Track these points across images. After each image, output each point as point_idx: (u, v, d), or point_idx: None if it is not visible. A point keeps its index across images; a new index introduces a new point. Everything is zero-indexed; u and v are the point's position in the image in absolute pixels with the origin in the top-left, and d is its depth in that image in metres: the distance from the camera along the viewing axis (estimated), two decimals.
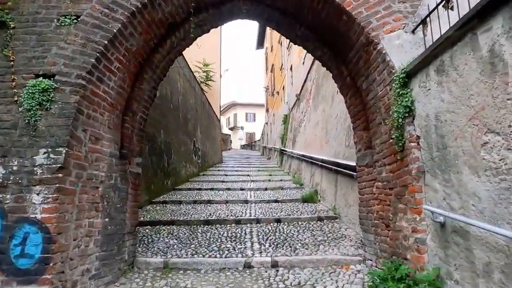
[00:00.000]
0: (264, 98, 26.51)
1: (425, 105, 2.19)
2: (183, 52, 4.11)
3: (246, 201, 6.19)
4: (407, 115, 2.34)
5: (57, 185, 2.22)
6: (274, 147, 18.16)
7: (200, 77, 17.05)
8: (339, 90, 3.51)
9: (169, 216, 4.98)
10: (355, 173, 4.14)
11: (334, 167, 5.22)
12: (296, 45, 3.81)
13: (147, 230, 4.28)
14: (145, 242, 3.82)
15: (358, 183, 3.32)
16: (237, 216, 4.97)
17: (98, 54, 2.50)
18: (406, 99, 2.33)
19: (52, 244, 2.15)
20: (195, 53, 16.99)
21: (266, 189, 7.76)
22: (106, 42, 2.53)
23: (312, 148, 7.55)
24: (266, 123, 25.14)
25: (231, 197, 6.66)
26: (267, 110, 25.02)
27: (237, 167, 14.27)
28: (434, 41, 2.10)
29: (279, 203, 6.08)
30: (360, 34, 2.69)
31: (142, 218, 4.81)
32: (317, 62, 8.92)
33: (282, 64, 16.83)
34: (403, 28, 2.53)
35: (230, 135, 37.27)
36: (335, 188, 5.16)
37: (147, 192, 6.04)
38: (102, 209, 2.71)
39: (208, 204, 6.01)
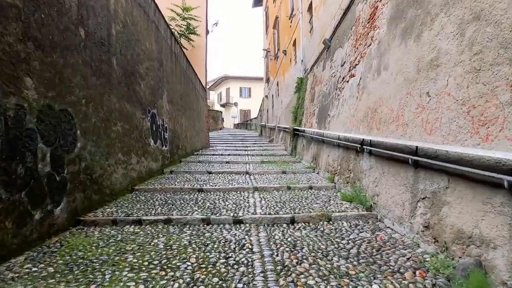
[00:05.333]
0: (263, 66, 21.66)
1: None
2: None
3: None
4: None
5: None
6: (279, 126, 13.71)
7: (179, 26, 12.24)
8: None
9: None
10: None
11: None
12: None
13: None
14: None
15: None
16: None
17: None
18: None
19: None
20: None
21: (293, 221, 3.37)
22: None
23: (414, 128, 3.10)
24: (266, 96, 20.49)
25: (207, 265, 2.26)
26: (267, 80, 20.29)
27: (228, 155, 9.81)
28: None
29: None
30: None
31: None
32: None
33: (292, 10, 12.03)
34: None
35: (221, 112, 32.57)
36: None
37: None
38: None
39: None
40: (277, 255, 2.49)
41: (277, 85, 15.87)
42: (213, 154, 10.05)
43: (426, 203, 2.63)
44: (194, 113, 11.15)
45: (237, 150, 11.36)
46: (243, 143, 14.58)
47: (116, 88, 4.56)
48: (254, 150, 11.34)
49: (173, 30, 9.64)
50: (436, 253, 2.38)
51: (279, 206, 3.91)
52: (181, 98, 9.00)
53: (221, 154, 9.96)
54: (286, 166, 7.38)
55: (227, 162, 8.04)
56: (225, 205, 3.97)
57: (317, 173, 6.37)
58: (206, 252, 2.56)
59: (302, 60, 10.08)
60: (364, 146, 4.08)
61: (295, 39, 11.58)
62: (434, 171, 2.57)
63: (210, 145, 13.79)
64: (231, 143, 14.77)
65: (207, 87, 19.03)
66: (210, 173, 6.43)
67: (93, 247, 2.67)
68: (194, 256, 2.47)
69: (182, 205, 4.01)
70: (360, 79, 4.72)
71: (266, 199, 4.29)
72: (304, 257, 2.45)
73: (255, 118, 29.64)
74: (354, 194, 4.06)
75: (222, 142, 15.49)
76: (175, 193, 4.74)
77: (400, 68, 3.41)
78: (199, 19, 12.66)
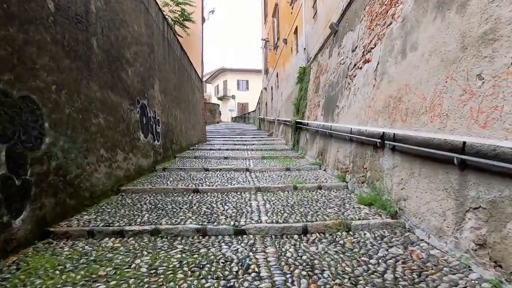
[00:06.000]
0: (262, 57, 20.95)
1: None
2: None
3: None
4: None
5: None
6: (279, 119, 13.15)
7: (173, 12, 11.55)
8: None
9: None
10: None
11: None
12: None
13: None
14: None
15: None
16: None
17: None
18: None
19: None
20: None
21: (306, 231, 2.81)
22: None
23: (459, 119, 2.54)
24: (265, 88, 19.85)
25: None
26: (266, 72, 19.62)
27: (226, 150, 9.25)
28: None
29: None
30: None
31: None
32: None
33: None
34: None
35: (219, 105, 31.88)
36: None
37: None
38: None
39: None
40: (292, 283, 1.93)
41: (277, 76, 15.23)
42: (210, 149, 9.47)
43: (480, 214, 2.08)
44: (189, 105, 10.52)
45: (235, 144, 10.77)
46: (241, 137, 13.99)
47: (97, 74, 3.94)
48: (253, 144, 10.77)
49: (166, 16, 8.96)
50: (500, 282, 1.84)
51: (287, 211, 3.35)
52: (175, 88, 8.36)
53: (219, 149, 9.38)
54: (289, 162, 6.82)
55: (225, 158, 7.47)
56: (224, 210, 3.41)
57: (324, 170, 5.81)
58: (201, 278, 2.00)
59: (304, 49, 9.45)
60: (385, 141, 3.51)
61: (296, 26, 10.92)
62: (492, 174, 2.01)
63: (207, 139, 13.19)
64: (229, 137, 14.18)
65: (204, 79, 18.36)
66: (207, 170, 5.85)
67: (57, 271, 2.10)
68: (185, 285, 1.91)
69: (174, 210, 3.44)
70: (378, 64, 4.13)
71: (271, 202, 3.73)
72: (328, 286, 1.89)
73: (253, 111, 29.00)
74: (373, 196, 3.51)
75: (220, 136, 14.89)
76: (167, 194, 4.17)
77: (435, 47, 2.82)
78: (194, 4, 11.92)
